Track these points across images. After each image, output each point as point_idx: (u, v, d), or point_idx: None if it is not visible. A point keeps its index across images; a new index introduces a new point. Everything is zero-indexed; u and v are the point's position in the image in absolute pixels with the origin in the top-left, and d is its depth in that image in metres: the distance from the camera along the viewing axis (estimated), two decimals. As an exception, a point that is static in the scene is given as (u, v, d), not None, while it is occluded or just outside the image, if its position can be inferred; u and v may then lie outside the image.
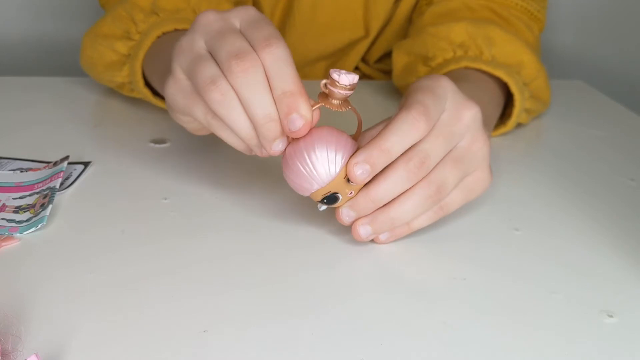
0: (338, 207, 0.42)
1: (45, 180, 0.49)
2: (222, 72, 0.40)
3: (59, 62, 1.11)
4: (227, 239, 0.44)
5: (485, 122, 0.53)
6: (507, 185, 0.55)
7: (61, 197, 0.48)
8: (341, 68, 0.77)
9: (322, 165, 0.40)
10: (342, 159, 0.40)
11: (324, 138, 0.40)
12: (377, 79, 0.80)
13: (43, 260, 0.41)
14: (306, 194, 0.41)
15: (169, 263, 0.42)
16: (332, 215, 0.48)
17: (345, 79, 0.39)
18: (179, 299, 0.38)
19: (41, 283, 0.39)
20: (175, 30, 0.58)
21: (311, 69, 0.78)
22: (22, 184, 0.49)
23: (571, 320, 0.38)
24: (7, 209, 0.46)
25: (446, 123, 0.41)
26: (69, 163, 0.52)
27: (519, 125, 0.66)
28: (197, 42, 0.42)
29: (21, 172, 0.51)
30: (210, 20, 0.42)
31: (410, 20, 0.74)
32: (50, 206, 0.46)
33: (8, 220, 0.45)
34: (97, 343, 0.34)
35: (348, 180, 0.40)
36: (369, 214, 0.42)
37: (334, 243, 0.45)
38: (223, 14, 0.42)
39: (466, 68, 0.60)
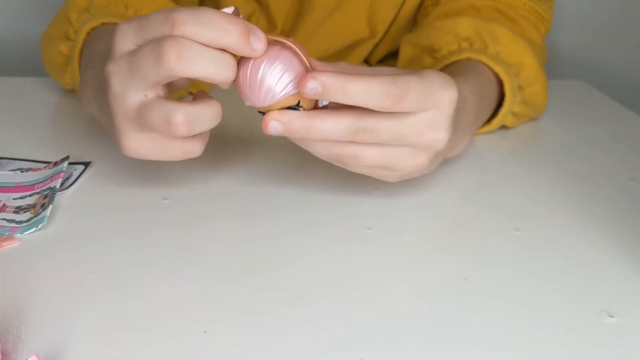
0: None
1: (45, 180, 0.49)
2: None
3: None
4: (227, 239, 0.44)
5: (476, 117, 0.53)
6: (507, 185, 0.55)
7: (61, 198, 0.48)
8: None
9: (271, 87, 0.40)
10: (291, 87, 0.40)
11: (285, 62, 0.40)
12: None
13: (43, 260, 0.41)
14: (248, 103, 0.42)
15: (169, 263, 0.42)
16: (334, 217, 0.48)
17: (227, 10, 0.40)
18: (179, 299, 0.38)
19: (41, 283, 0.39)
20: (102, 24, 0.58)
21: (312, 69, 0.78)
22: (23, 184, 0.49)
23: (571, 320, 0.38)
24: (7, 209, 0.46)
25: (412, 125, 0.41)
26: (70, 163, 0.52)
27: (518, 126, 0.66)
28: (126, 94, 0.41)
29: (21, 172, 0.51)
30: (115, 71, 0.41)
31: (414, 20, 0.75)
32: (51, 206, 0.46)
33: (8, 221, 0.45)
34: (97, 343, 0.34)
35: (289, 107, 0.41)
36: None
37: (335, 243, 0.45)
38: (116, 54, 0.41)
39: (468, 59, 0.60)
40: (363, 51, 0.76)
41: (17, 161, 0.54)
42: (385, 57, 0.79)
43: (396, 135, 0.41)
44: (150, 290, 0.39)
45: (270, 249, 0.44)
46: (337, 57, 0.77)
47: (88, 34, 0.58)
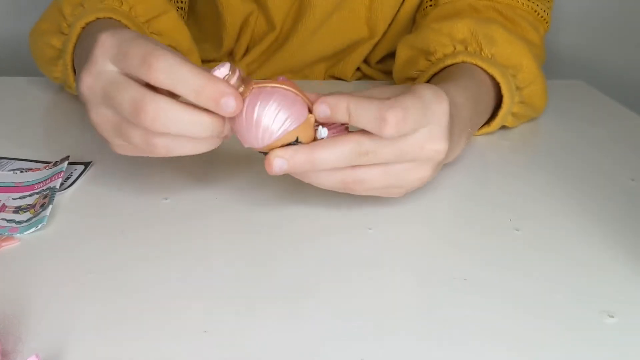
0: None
1: (45, 180, 0.49)
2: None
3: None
4: (227, 239, 0.44)
5: (472, 121, 0.54)
6: (507, 185, 0.55)
7: (61, 198, 0.48)
8: (343, 69, 0.77)
9: (267, 125, 0.40)
10: (289, 124, 0.41)
11: (278, 100, 0.41)
12: (378, 79, 0.80)
13: (43, 260, 0.41)
14: (247, 145, 0.42)
15: (169, 263, 0.42)
16: (334, 217, 0.48)
17: (219, 72, 0.40)
18: (179, 299, 0.38)
19: (41, 283, 0.39)
20: (97, 19, 0.58)
21: (311, 70, 0.78)
22: (22, 184, 0.49)
23: (571, 320, 0.38)
24: (7, 209, 0.46)
25: (411, 144, 0.42)
26: (70, 163, 0.52)
27: (518, 126, 0.66)
28: (103, 114, 0.42)
29: (21, 172, 0.51)
30: (89, 85, 0.42)
31: (414, 21, 0.75)
32: (51, 206, 0.46)
33: (8, 221, 0.45)
34: (97, 343, 0.34)
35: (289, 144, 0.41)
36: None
37: (335, 244, 0.45)
38: (94, 69, 0.41)
39: (463, 63, 0.60)
40: (362, 51, 0.76)
41: (17, 161, 0.54)
42: (385, 57, 0.79)
43: (397, 153, 0.43)
44: (150, 290, 0.39)
45: (270, 248, 0.44)
46: (336, 57, 0.77)
47: (83, 28, 0.58)
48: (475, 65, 0.60)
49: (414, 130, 0.42)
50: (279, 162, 0.41)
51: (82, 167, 0.53)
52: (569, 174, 0.56)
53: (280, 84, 0.41)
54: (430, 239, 0.46)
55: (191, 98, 0.39)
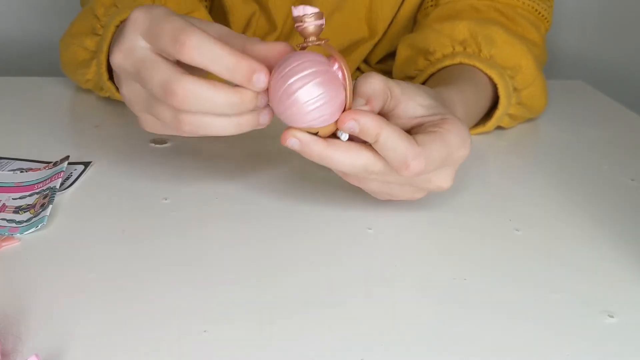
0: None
1: (45, 180, 0.49)
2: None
3: (59, 62, 1.11)
4: (227, 239, 0.44)
5: (468, 121, 0.56)
6: (507, 185, 0.55)
7: (61, 198, 0.48)
8: None
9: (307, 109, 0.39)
10: (319, 122, 0.40)
11: (328, 91, 0.39)
12: (379, 79, 0.80)
13: (43, 260, 0.41)
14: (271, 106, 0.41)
15: (169, 263, 0.42)
16: (334, 217, 0.48)
17: (310, 8, 0.39)
18: (179, 299, 0.38)
19: (41, 283, 0.39)
20: None
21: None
22: (22, 184, 0.49)
23: (571, 320, 0.38)
24: (7, 209, 0.46)
25: (421, 179, 0.43)
26: (69, 163, 0.52)
27: (519, 126, 0.66)
28: (134, 89, 0.42)
29: (21, 172, 0.51)
30: (120, 61, 0.42)
31: (415, 21, 0.75)
32: (51, 206, 0.46)
33: (8, 221, 0.45)
34: (97, 343, 0.34)
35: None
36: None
37: (335, 244, 0.44)
38: (125, 45, 0.41)
39: (461, 64, 0.60)
40: (363, 51, 0.76)
41: (17, 161, 0.54)
42: (385, 57, 0.79)
43: (404, 181, 0.44)
44: (150, 290, 0.39)
45: (270, 248, 0.44)
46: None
47: (117, 27, 0.58)
48: (473, 66, 0.60)
49: (433, 169, 0.43)
50: (293, 142, 0.41)
51: (82, 167, 0.53)
52: (569, 174, 0.56)
53: (343, 65, 0.39)
54: (431, 239, 0.46)
55: (225, 76, 0.39)
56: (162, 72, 0.40)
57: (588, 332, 0.37)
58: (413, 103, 0.44)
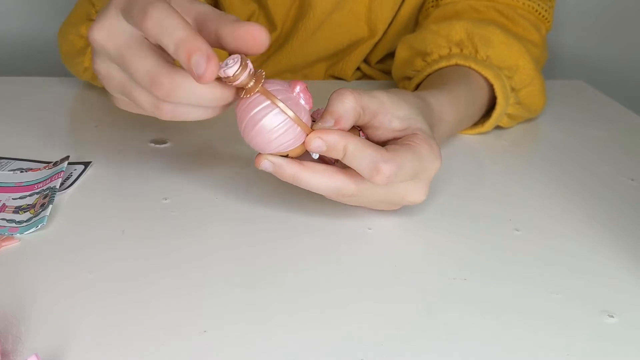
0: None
1: (45, 180, 0.49)
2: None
3: (59, 62, 1.11)
4: (227, 239, 0.44)
5: (456, 123, 0.57)
6: (507, 185, 0.55)
7: (61, 197, 0.48)
8: (342, 69, 0.77)
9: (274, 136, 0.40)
10: (286, 147, 0.41)
11: (288, 123, 0.40)
12: (378, 79, 0.80)
13: (43, 260, 0.41)
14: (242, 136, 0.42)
15: (169, 263, 0.42)
16: (334, 217, 0.48)
17: (230, 68, 0.39)
18: (179, 299, 0.38)
19: (41, 283, 0.39)
20: None
21: (311, 69, 0.78)
22: (22, 184, 0.49)
23: (571, 320, 0.38)
24: (7, 209, 0.46)
25: (395, 193, 0.44)
26: (69, 163, 0.52)
27: (518, 126, 0.66)
28: (111, 70, 0.41)
29: (21, 172, 0.51)
30: (101, 40, 0.40)
31: (416, 21, 0.75)
32: (51, 206, 0.46)
33: (8, 221, 0.45)
34: (97, 343, 0.34)
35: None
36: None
37: (335, 244, 0.45)
38: (107, 22, 0.40)
39: (457, 65, 0.60)
40: (362, 51, 0.76)
41: (17, 161, 0.54)
42: (385, 57, 0.79)
43: (378, 199, 0.45)
44: (150, 290, 0.39)
45: (270, 248, 0.44)
46: (337, 57, 0.77)
47: None
48: (469, 67, 0.60)
49: (404, 180, 0.43)
50: (267, 164, 0.42)
51: (82, 167, 0.53)
52: (569, 174, 0.56)
53: (289, 106, 0.40)
54: (430, 239, 0.46)
55: (171, 51, 0.38)
56: (149, 62, 0.39)
57: (588, 332, 0.37)
58: (389, 115, 0.45)
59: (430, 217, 0.48)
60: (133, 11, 0.39)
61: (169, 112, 0.40)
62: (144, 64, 0.39)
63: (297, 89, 0.41)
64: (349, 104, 0.42)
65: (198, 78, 0.37)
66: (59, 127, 0.62)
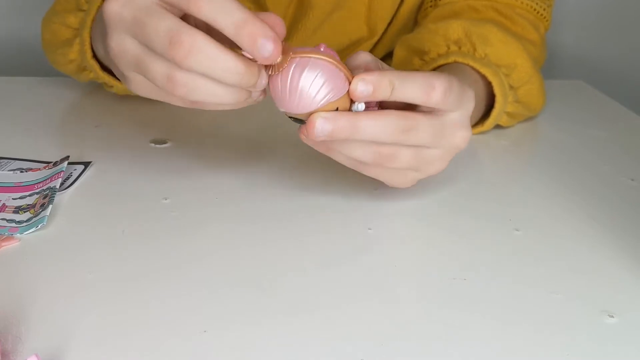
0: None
1: (45, 180, 0.49)
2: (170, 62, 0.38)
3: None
4: (227, 239, 0.44)
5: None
6: (507, 185, 0.55)
7: (61, 197, 0.48)
8: None
9: (309, 92, 0.40)
10: (331, 96, 0.40)
11: (324, 71, 0.40)
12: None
13: (43, 260, 0.41)
14: (282, 110, 0.41)
15: (169, 263, 0.42)
16: (334, 217, 0.48)
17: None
18: (179, 299, 0.38)
19: (41, 283, 0.39)
20: None
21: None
22: (22, 184, 0.49)
23: (571, 320, 0.38)
24: (7, 209, 0.46)
25: (448, 123, 0.43)
26: (69, 163, 0.52)
27: (518, 126, 0.66)
28: (126, 43, 0.40)
29: (21, 172, 0.51)
30: (117, 10, 0.39)
31: (415, 21, 0.75)
32: (51, 206, 0.46)
33: (8, 221, 0.45)
34: (97, 343, 0.34)
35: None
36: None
37: (335, 244, 0.44)
38: None
39: (455, 63, 0.60)
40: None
41: (17, 161, 0.54)
42: (384, 57, 0.79)
43: (435, 134, 0.43)
44: (150, 290, 0.39)
45: (270, 248, 0.44)
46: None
47: (103, 0, 0.55)
48: (468, 65, 0.60)
49: (453, 107, 0.42)
50: (321, 123, 0.40)
51: (82, 167, 0.53)
52: (568, 174, 0.56)
53: (323, 55, 0.40)
54: (430, 239, 0.46)
55: (230, 32, 0.37)
56: (170, 22, 0.38)
57: (588, 332, 0.37)
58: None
59: (430, 217, 0.48)
60: None
61: (182, 86, 0.38)
62: (165, 23, 0.37)
63: (322, 48, 0.41)
64: (367, 57, 0.42)
65: (263, 60, 0.37)
66: (59, 127, 0.62)
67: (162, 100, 0.42)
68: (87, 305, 0.37)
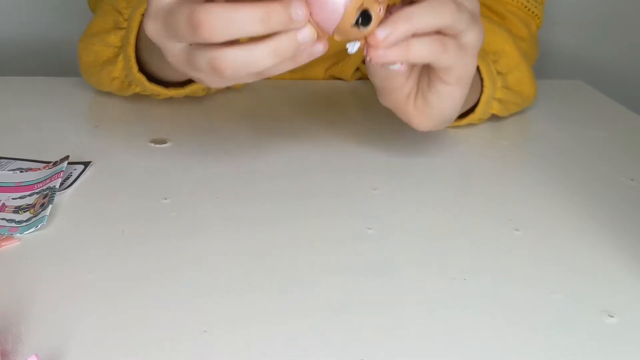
0: (372, 30, 0.40)
1: (45, 180, 0.49)
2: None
3: (59, 62, 1.11)
4: (227, 240, 0.44)
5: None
6: (507, 185, 0.55)
7: (61, 197, 0.48)
8: (342, 69, 0.77)
9: None
10: None
11: None
12: (377, 79, 0.80)
13: (43, 260, 0.41)
14: (338, 20, 0.39)
15: (169, 263, 0.42)
16: (334, 217, 0.48)
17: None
18: (179, 299, 0.38)
19: (41, 283, 0.39)
20: None
21: (311, 70, 0.78)
22: (22, 184, 0.49)
23: (571, 320, 0.38)
24: (7, 209, 0.46)
25: (472, 12, 0.44)
26: (69, 163, 0.52)
27: (514, 122, 0.66)
28: (175, 50, 0.41)
29: (21, 172, 0.51)
30: (152, 28, 0.41)
31: None
32: (50, 206, 0.46)
33: (8, 220, 0.45)
34: (97, 343, 0.34)
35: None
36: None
37: (335, 244, 0.44)
38: (152, 10, 0.40)
39: None
40: (362, 52, 0.76)
41: (17, 161, 0.53)
42: None
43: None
44: (150, 290, 0.39)
45: (270, 248, 0.44)
46: (336, 57, 0.77)
47: (142, 15, 0.57)
48: None
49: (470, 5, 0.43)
50: (384, 32, 0.40)
51: (82, 167, 0.53)
52: (568, 174, 0.56)
53: None
54: (430, 239, 0.46)
55: (260, 30, 0.37)
56: (185, 10, 0.38)
57: (588, 332, 0.37)
58: None
59: (429, 217, 0.48)
60: None
61: (227, 66, 0.38)
62: (182, 15, 0.38)
63: None
64: None
65: (298, 20, 0.37)
66: (59, 127, 0.62)
67: (239, 82, 0.42)
68: (87, 305, 0.37)
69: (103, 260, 0.41)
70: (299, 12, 0.37)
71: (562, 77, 0.83)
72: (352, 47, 0.41)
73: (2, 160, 0.54)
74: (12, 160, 0.54)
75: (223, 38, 0.38)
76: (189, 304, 0.38)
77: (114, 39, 0.60)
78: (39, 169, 0.51)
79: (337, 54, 0.77)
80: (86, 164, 0.53)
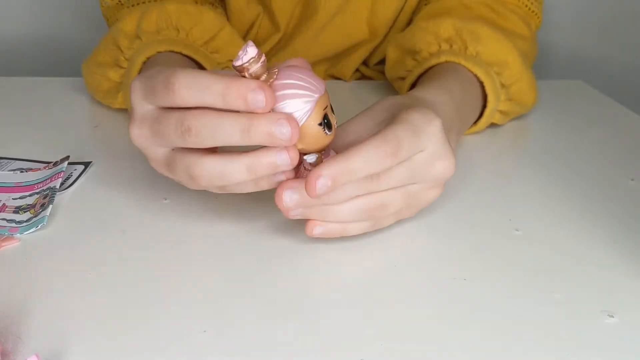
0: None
1: (45, 180, 0.49)
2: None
3: (59, 62, 1.11)
4: (227, 240, 0.44)
5: (458, 117, 0.54)
6: (507, 185, 0.55)
7: (61, 198, 0.48)
8: (342, 69, 0.77)
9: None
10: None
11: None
12: (376, 79, 0.80)
13: (43, 260, 0.41)
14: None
15: (169, 263, 0.42)
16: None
17: (247, 55, 0.37)
18: (179, 299, 0.38)
19: (41, 283, 0.39)
20: (158, 53, 0.59)
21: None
22: (22, 184, 0.49)
23: (571, 320, 0.38)
24: (7, 209, 0.46)
25: (417, 163, 0.42)
26: (69, 163, 0.52)
27: (514, 122, 0.66)
28: (155, 153, 0.42)
29: (21, 172, 0.51)
30: (137, 134, 0.41)
31: (411, 21, 0.75)
32: (51, 206, 0.46)
33: (8, 221, 0.45)
34: (97, 343, 0.34)
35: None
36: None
37: (335, 244, 0.45)
38: (136, 116, 0.41)
39: (447, 62, 0.60)
40: (362, 53, 0.76)
41: (17, 161, 0.54)
42: (384, 59, 0.79)
43: (411, 173, 0.42)
44: (150, 290, 0.39)
45: (270, 248, 0.44)
46: (337, 58, 0.78)
47: (144, 63, 0.59)
48: (459, 64, 0.60)
49: (413, 153, 0.41)
50: (322, 182, 0.38)
51: (82, 167, 0.53)
52: (568, 174, 0.56)
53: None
54: (430, 239, 0.46)
55: (219, 103, 0.37)
56: (175, 115, 0.39)
57: (588, 332, 0.37)
58: (361, 126, 0.44)
59: (430, 217, 0.48)
60: (157, 92, 0.39)
61: (202, 177, 0.39)
62: (171, 118, 0.39)
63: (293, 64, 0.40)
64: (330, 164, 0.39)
65: (261, 110, 0.37)
66: (59, 127, 0.62)
67: (213, 191, 0.43)
68: (87, 305, 0.37)
69: (103, 261, 0.41)
70: (283, 130, 0.37)
71: (562, 77, 0.83)
72: (310, 157, 0.41)
73: (2, 160, 0.54)
74: (13, 161, 0.54)
75: (211, 141, 0.38)
76: (189, 304, 0.38)
77: (114, 74, 0.62)
78: (39, 169, 0.51)
79: (338, 55, 0.77)
80: (86, 164, 0.53)
